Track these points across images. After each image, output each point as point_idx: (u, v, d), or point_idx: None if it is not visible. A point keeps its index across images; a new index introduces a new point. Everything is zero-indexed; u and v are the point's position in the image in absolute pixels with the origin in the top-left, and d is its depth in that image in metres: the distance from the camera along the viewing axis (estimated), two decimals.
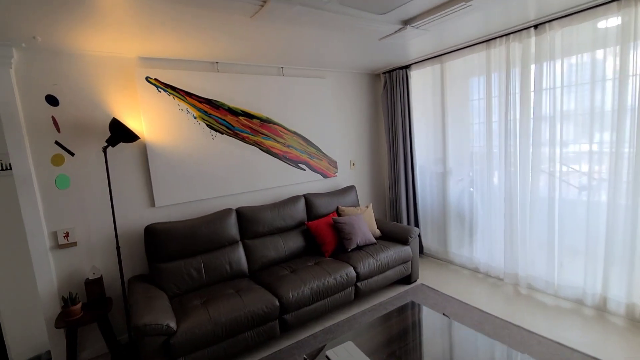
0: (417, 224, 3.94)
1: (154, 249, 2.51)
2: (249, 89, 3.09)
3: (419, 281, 3.33)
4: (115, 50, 2.43)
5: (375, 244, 3.20)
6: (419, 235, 3.96)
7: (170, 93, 2.69)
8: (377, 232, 3.40)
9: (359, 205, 3.73)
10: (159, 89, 2.65)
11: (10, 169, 2.40)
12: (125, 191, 2.57)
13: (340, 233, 3.13)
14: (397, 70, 3.76)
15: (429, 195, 3.83)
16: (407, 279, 3.29)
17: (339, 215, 3.46)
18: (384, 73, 3.91)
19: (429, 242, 3.92)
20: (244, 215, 2.94)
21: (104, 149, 2.34)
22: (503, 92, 2.93)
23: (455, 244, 3.61)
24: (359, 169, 4.04)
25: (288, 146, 3.38)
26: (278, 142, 3.31)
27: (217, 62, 2.94)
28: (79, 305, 2.25)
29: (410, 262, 3.21)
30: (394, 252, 3.04)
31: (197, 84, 2.82)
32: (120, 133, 2.33)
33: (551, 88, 2.60)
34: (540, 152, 2.73)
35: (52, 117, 2.20)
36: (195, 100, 2.82)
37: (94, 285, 2.38)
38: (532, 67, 2.68)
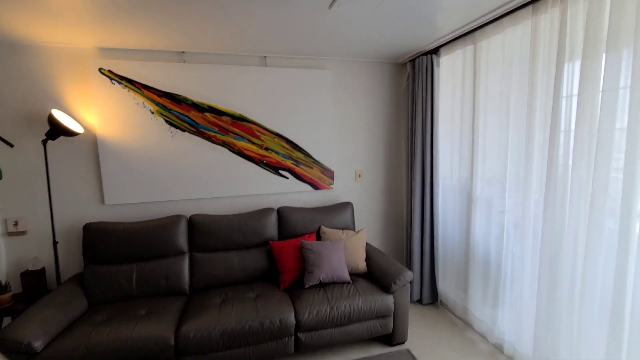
0: (432, 264, 2.95)
1: (89, 248, 2.38)
2: (220, 81, 2.71)
3: (406, 344, 2.44)
4: (72, 41, 2.36)
5: (349, 283, 2.46)
6: (434, 280, 2.96)
7: (125, 85, 2.52)
8: (363, 267, 2.63)
9: (353, 228, 2.98)
10: (113, 81, 2.49)
11: None
12: (72, 185, 2.52)
13: (304, 262, 2.51)
14: (420, 57, 2.82)
15: (451, 227, 2.80)
16: (387, 339, 2.44)
17: (319, 237, 2.81)
18: (410, 61, 3.00)
19: (447, 290, 2.89)
20: (196, 224, 2.59)
21: (44, 142, 2.30)
22: (550, 88, 1.82)
23: (477, 300, 2.53)
24: (367, 182, 3.25)
25: (266, 149, 2.88)
26: (254, 143, 2.84)
27: (183, 52, 2.64)
28: (8, 295, 2.26)
29: (391, 317, 2.35)
30: (363, 301, 2.25)
31: (157, 76, 2.57)
32: (58, 127, 2.25)
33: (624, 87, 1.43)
34: (607, 186, 1.57)
35: None
36: (154, 93, 2.58)
37: (31, 277, 2.38)
38: (603, 55, 1.54)
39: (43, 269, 2.44)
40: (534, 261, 2.01)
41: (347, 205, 2.99)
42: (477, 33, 2.32)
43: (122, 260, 2.42)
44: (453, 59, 2.63)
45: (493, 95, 2.27)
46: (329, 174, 3.08)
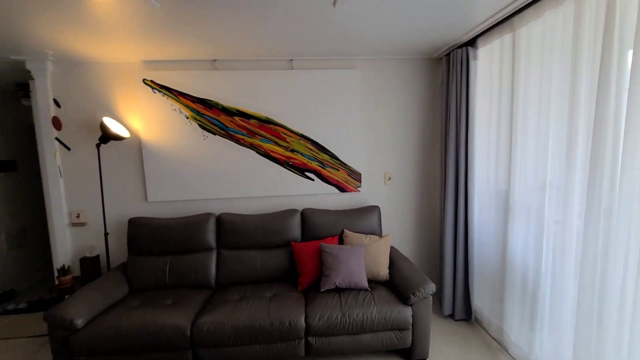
0: (466, 277, 2.69)
1: (132, 241, 2.67)
2: (248, 86, 2.82)
3: None
4: (121, 57, 2.67)
5: (366, 290, 2.37)
6: (468, 295, 2.70)
7: (164, 94, 2.76)
8: (384, 274, 2.51)
9: (379, 233, 2.87)
10: (154, 90, 2.75)
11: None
12: (121, 183, 2.84)
13: (322, 265, 2.49)
14: (455, 50, 2.59)
15: (487, 237, 2.52)
16: (407, 354, 2.29)
17: (342, 241, 2.76)
18: (446, 55, 2.78)
19: (483, 307, 2.62)
20: (224, 223, 2.74)
21: (97, 146, 2.64)
22: (595, 83, 1.52)
23: (513, 321, 2.24)
24: (398, 185, 3.10)
25: (292, 151, 2.92)
26: (280, 145, 2.90)
27: (215, 60, 2.80)
28: (69, 277, 2.65)
29: (409, 330, 2.20)
30: (378, 311, 2.15)
31: (191, 84, 2.78)
32: (107, 132, 2.56)
33: None
34: None
35: (54, 117, 2.62)
36: (189, 100, 2.79)
37: (88, 262, 2.75)
38: None
39: (98, 256, 2.80)
40: (576, 281, 1.71)
41: (373, 209, 2.89)
42: (515, 19, 2.05)
43: (158, 252, 2.66)
44: (490, 50, 2.37)
45: (533, 90, 1.98)
46: (356, 176, 3.01)
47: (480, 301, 2.64)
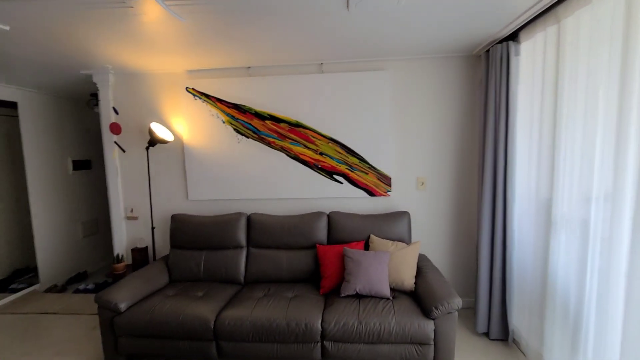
0: (503, 293, 2.45)
1: (173, 235, 2.92)
2: (279, 91, 2.91)
3: None
4: (168, 68, 2.94)
5: (388, 299, 2.30)
6: (505, 313, 2.46)
7: (204, 100, 2.98)
8: (409, 284, 2.41)
9: (408, 240, 2.76)
10: (195, 97, 2.98)
11: None
12: (167, 183, 3.13)
13: (344, 270, 2.47)
14: (495, 46, 2.38)
15: (527, 251, 2.27)
16: None
17: (367, 246, 2.70)
18: (486, 52, 2.57)
19: (521, 327, 2.36)
20: (253, 222, 2.87)
21: (147, 148, 2.94)
22: None
23: (553, 347, 1.98)
24: (431, 191, 2.94)
25: (321, 154, 2.94)
26: (309, 148, 2.94)
27: (249, 67, 2.94)
28: (122, 264, 3.00)
29: (431, 345, 2.08)
30: (397, 322, 2.07)
31: (227, 90, 2.95)
32: (153, 136, 2.85)
33: None
34: None
35: (112, 123, 2.97)
36: (225, 105, 2.97)
37: (137, 253, 3.08)
38: None
39: (146, 248, 3.12)
40: (624, 304, 1.47)
41: (402, 214, 2.78)
42: (560, 8, 1.82)
43: (195, 247, 2.88)
44: (533, 44, 2.13)
45: (578, 88, 1.74)
46: (385, 180, 2.92)
47: (519, 321, 2.39)
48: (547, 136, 2.01)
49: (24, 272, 4.20)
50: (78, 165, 4.30)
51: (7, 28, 1.88)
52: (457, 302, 2.06)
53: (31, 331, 2.88)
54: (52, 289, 3.79)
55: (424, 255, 2.86)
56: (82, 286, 3.87)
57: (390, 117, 2.89)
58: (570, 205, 1.85)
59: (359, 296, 2.36)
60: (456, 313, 2.08)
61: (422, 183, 2.94)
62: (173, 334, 2.22)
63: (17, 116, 3.64)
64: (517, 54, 2.28)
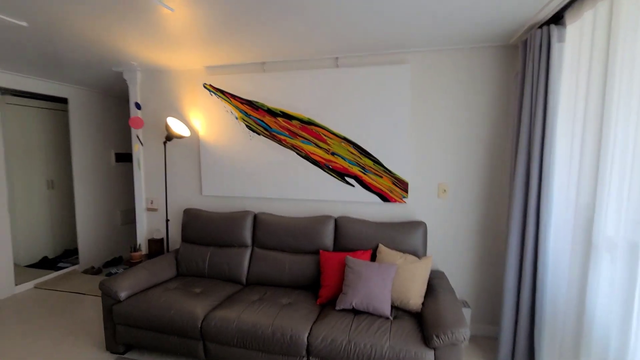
0: (531, 324, 2.05)
1: (185, 229, 2.96)
2: (292, 87, 2.79)
3: None
4: (187, 64, 2.99)
5: (387, 319, 2.05)
6: (532, 346, 2.05)
7: (219, 96, 2.97)
8: (415, 303, 2.13)
9: (423, 254, 2.46)
10: (211, 93, 2.99)
11: None
12: (184, 177, 3.19)
13: (344, 281, 2.27)
14: (535, 31, 2.00)
15: (563, 278, 1.86)
16: None
17: (374, 256, 2.46)
18: (523, 41, 2.18)
19: None
20: (259, 222, 2.79)
21: (164, 143, 3.02)
22: None
23: None
24: (454, 200, 2.59)
25: (333, 154, 2.76)
26: (320, 147, 2.78)
27: (264, 63, 2.87)
28: (138, 253, 3.11)
29: None
30: (390, 347, 1.82)
31: (241, 86, 2.91)
32: (169, 131, 2.91)
33: None
34: None
35: (133, 117, 3.09)
36: (238, 101, 2.93)
37: (154, 243, 3.18)
38: None
39: (162, 239, 3.21)
40: None
41: (418, 225, 2.49)
42: None
43: (203, 242, 2.88)
44: (580, 27, 1.73)
45: (634, 78, 1.35)
46: (402, 185, 2.65)
47: (550, 357, 1.97)
48: (591, 140, 1.62)
49: (73, 253, 4.63)
50: (120, 157, 4.63)
51: (25, 24, 2.02)
52: (464, 332, 1.74)
53: (58, 307, 3.12)
54: (89, 271, 4.11)
55: (442, 272, 2.54)
56: (114, 270, 4.14)
57: (411, 115, 2.61)
58: (617, 226, 1.45)
59: (355, 311, 2.14)
60: (461, 345, 1.77)
61: (444, 190, 2.60)
62: (164, 328, 2.21)
63: (67, 111, 4.02)
64: (561, 40, 1.89)
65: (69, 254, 4.61)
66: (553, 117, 1.90)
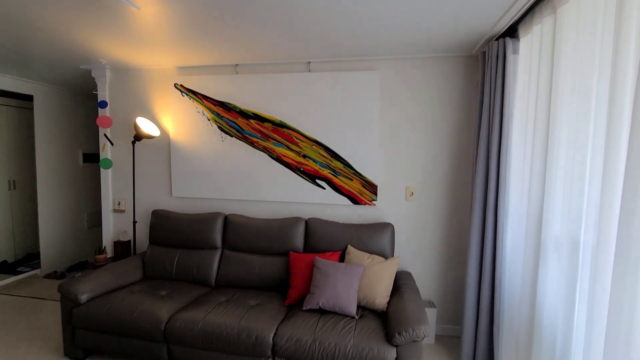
0: (491, 323, 2.14)
1: (152, 231, 2.90)
2: (265, 89, 2.81)
3: None
4: (159, 63, 2.95)
5: (352, 318, 2.08)
6: (492, 345, 2.14)
7: (190, 97, 2.95)
8: (381, 303, 2.18)
9: (390, 255, 2.52)
10: (183, 94, 2.96)
11: None
12: (153, 177, 3.12)
13: (311, 281, 2.29)
14: (492, 43, 2.12)
15: (518, 278, 1.96)
16: None
17: (342, 258, 2.50)
18: (482, 52, 2.30)
19: None
20: (230, 224, 2.77)
21: (132, 143, 2.96)
22: None
23: None
24: (421, 203, 2.68)
25: (304, 156, 2.79)
26: (292, 150, 2.81)
27: (237, 65, 2.88)
28: (103, 256, 3.01)
29: None
30: (353, 345, 1.86)
31: (214, 87, 2.90)
32: (138, 131, 2.85)
33: None
34: None
35: (100, 116, 3.01)
36: (210, 103, 2.92)
37: (119, 245, 3.09)
38: None
39: (129, 241, 3.12)
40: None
41: (385, 226, 2.55)
42: None
43: (171, 244, 2.83)
44: (531, 40, 1.86)
45: (572, 90, 1.47)
46: (371, 188, 2.71)
47: (507, 356, 2.06)
48: (540, 146, 1.73)
49: (36, 257, 4.40)
50: (88, 158, 4.48)
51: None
52: (424, 329, 1.80)
53: (14, 313, 2.96)
54: (52, 275, 3.93)
55: (409, 273, 2.60)
56: (78, 274, 3.97)
57: (380, 120, 2.68)
58: (561, 224, 1.56)
59: (321, 311, 2.16)
60: (421, 342, 1.83)
61: (412, 193, 2.69)
62: (127, 332, 2.15)
63: (32, 109, 3.86)
64: (516, 52, 2.01)
65: (31, 258, 4.39)
66: (508, 124, 2.02)
